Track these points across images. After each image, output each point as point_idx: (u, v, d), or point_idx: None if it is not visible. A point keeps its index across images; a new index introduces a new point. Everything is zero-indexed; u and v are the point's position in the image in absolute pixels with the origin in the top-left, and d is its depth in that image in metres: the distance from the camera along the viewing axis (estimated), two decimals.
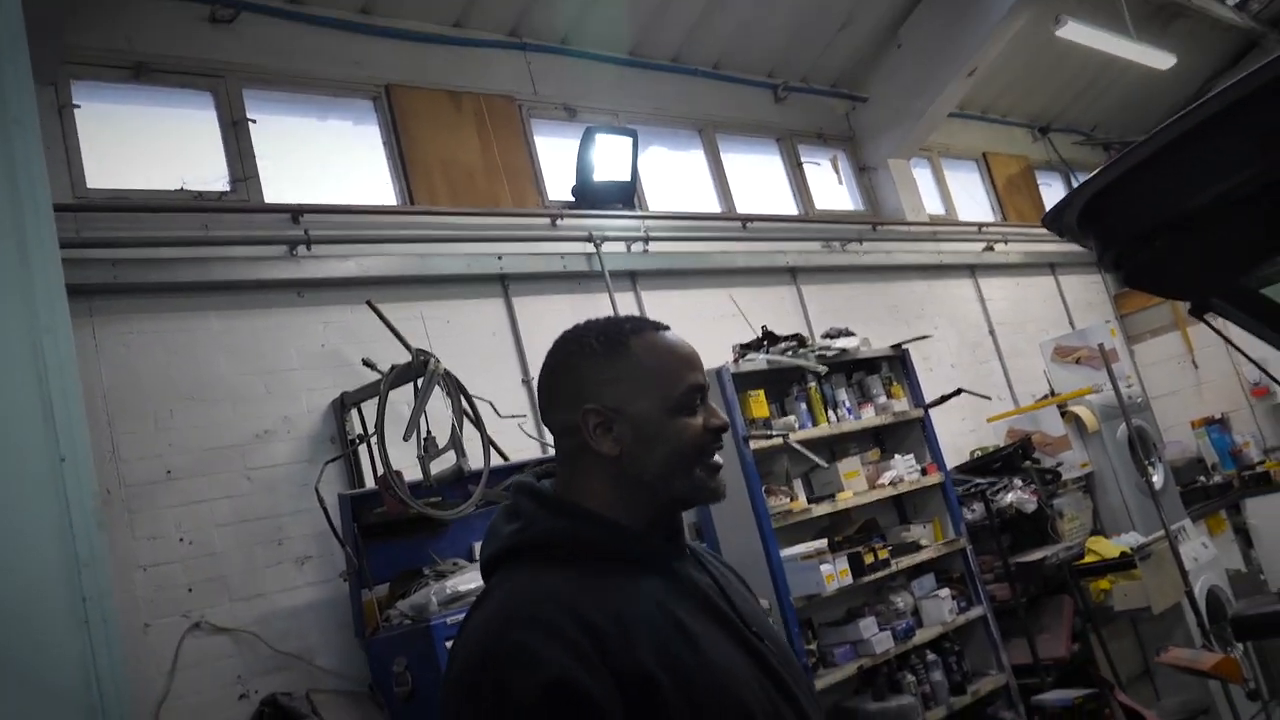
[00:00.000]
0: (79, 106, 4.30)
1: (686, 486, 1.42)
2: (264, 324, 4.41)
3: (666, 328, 1.50)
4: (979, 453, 6.83)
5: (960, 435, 7.08)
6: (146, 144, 4.56)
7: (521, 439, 4.70)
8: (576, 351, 1.46)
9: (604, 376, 1.42)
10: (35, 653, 2.02)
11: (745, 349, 5.52)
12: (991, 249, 8.37)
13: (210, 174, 4.65)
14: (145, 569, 3.78)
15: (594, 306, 5.54)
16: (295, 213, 4.64)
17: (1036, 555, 5.80)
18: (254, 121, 4.82)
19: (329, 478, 4.17)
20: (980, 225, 8.47)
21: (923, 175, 8.39)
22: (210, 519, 4.00)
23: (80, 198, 4.17)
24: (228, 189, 4.65)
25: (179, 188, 4.50)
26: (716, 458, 1.45)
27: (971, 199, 8.95)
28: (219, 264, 4.32)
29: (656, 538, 1.43)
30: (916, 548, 5.50)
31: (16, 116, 2.27)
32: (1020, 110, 9.71)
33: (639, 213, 6.12)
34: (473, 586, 3.76)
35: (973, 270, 8.14)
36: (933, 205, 8.32)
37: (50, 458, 2.12)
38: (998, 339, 8.03)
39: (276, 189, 4.78)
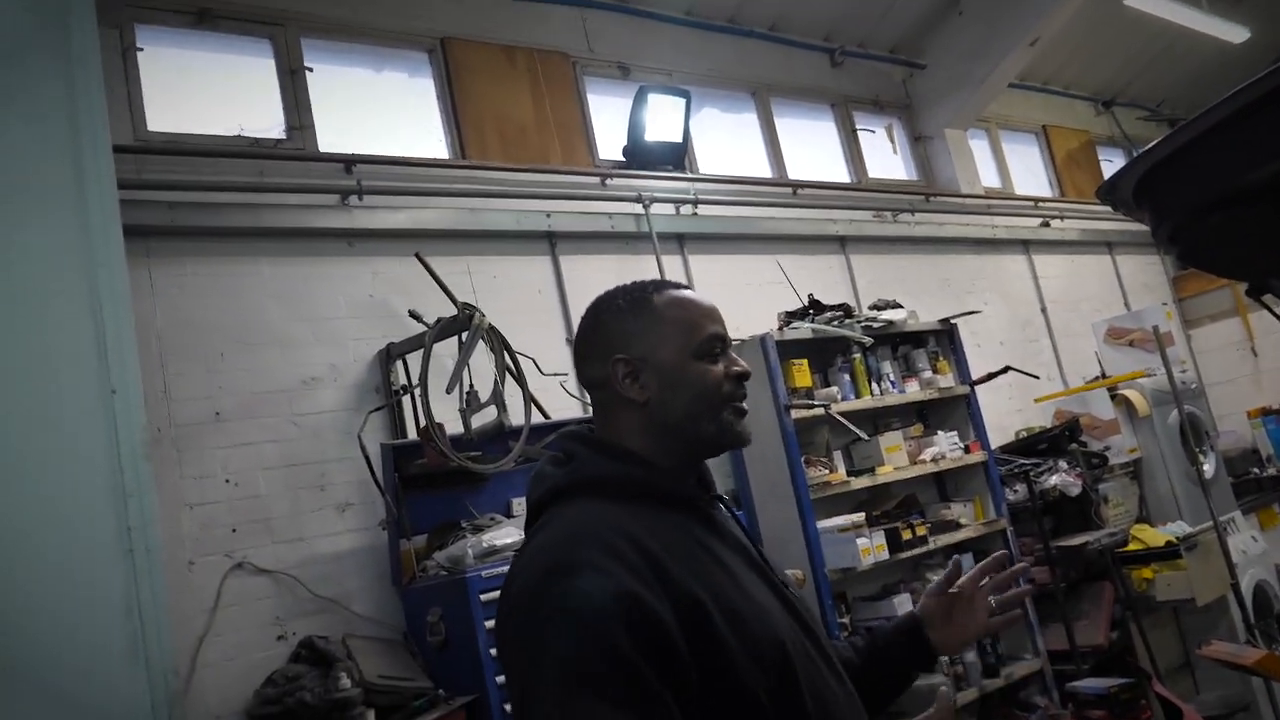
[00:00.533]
0: (142, 50, 4.34)
1: (714, 428, 1.49)
2: (314, 272, 4.45)
3: (688, 287, 1.61)
4: (1025, 433, 6.75)
5: (1006, 414, 6.98)
6: (206, 89, 4.59)
7: (563, 397, 4.71)
8: (605, 310, 1.57)
9: (630, 329, 1.52)
10: (80, 577, 2.08)
11: (790, 317, 5.47)
12: (1048, 225, 8.20)
13: (267, 121, 4.68)
14: (192, 507, 3.86)
15: (640, 267, 5.52)
16: (348, 163, 4.66)
17: (1079, 540, 5.72)
18: (311, 70, 4.84)
19: (372, 427, 4.22)
20: (1037, 200, 8.30)
21: (980, 147, 8.23)
22: (256, 462, 4.07)
23: (141, 140, 4.22)
24: (283, 137, 4.68)
25: (236, 134, 4.53)
26: (741, 404, 1.53)
27: (1029, 172, 8.76)
28: (272, 211, 4.36)
29: (693, 484, 1.53)
30: (956, 526, 5.45)
31: (79, 57, 2.30)
32: (1083, 83, 9.46)
33: (689, 175, 6.07)
34: (509, 541, 3.80)
35: (1027, 246, 7.99)
36: (989, 178, 8.16)
37: (102, 389, 2.18)
38: (1049, 317, 7.89)
39: (330, 138, 4.81)
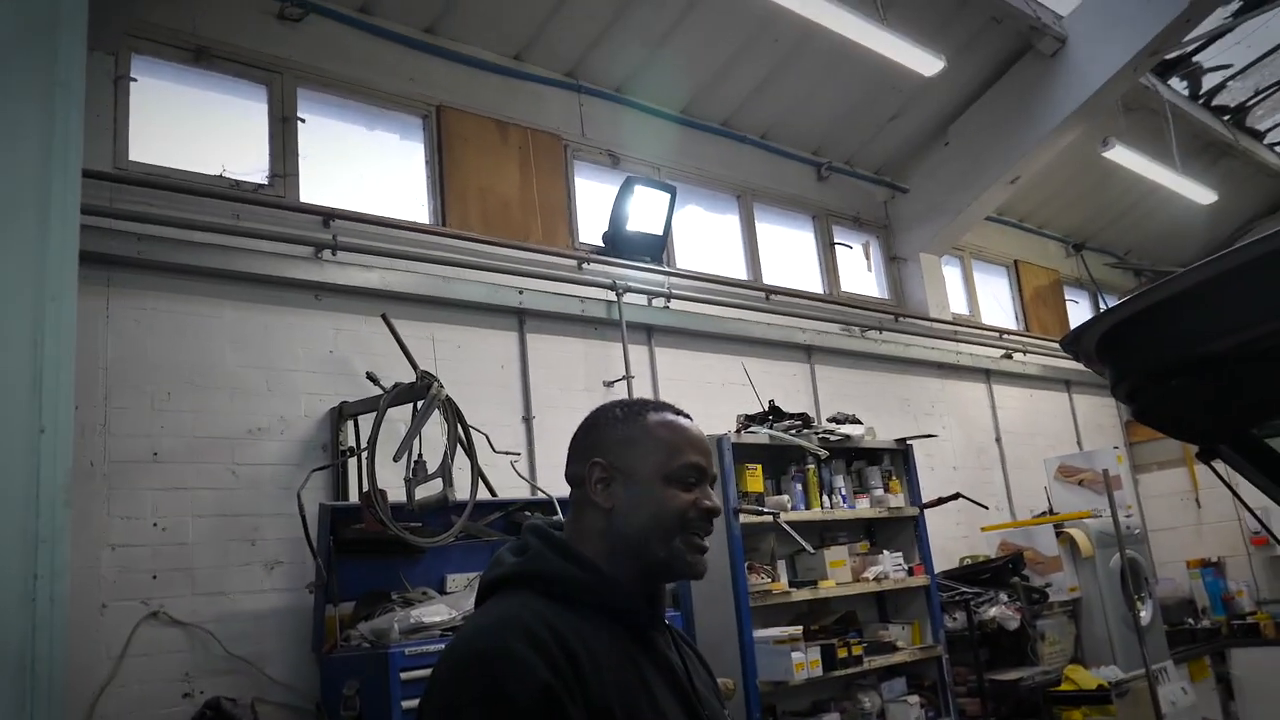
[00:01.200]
0: (135, 80, 4.33)
1: (664, 553, 1.50)
2: (277, 321, 4.40)
3: (687, 416, 1.63)
4: (969, 560, 6.75)
5: (952, 540, 6.99)
6: (194, 126, 4.59)
7: (512, 476, 4.65)
8: (602, 415, 1.63)
9: (615, 437, 1.57)
10: None
11: (750, 420, 5.47)
12: (1010, 357, 8.33)
13: (251, 165, 4.66)
14: (114, 548, 3.72)
15: (606, 354, 5.53)
16: (327, 216, 4.66)
17: (1013, 675, 5.69)
18: (303, 120, 4.85)
19: (313, 485, 4.12)
20: (1002, 331, 8.45)
21: (952, 273, 8.39)
22: (189, 508, 3.95)
23: (119, 168, 4.19)
24: (265, 183, 4.66)
25: (219, 174, 4.51)
26: (701, 539, 1.53)
27: (997, 303, 8.94)
28: (244, 255, 4.32)
29: (639, 599, 1.52)
30: (892, 649, 5.40)
31: (64, 80, 2.26)
32: (1057, 224, 9.74)
33: (665, 268, 6.12)
34: (438, 619, 3.70)
35: (988, 375, 8.10)
36: (958, 304, 8.30)
37: (31, 428, 2.09)
38: (1004, 447, 7.97)
39: (313, 190, 4.80)
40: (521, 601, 1.42)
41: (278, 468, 4.21)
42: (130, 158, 4.25)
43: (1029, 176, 7.66)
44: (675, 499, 1.51)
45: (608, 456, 1.54)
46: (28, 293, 2.13)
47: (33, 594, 2.00)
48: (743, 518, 4.92)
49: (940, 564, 6.43)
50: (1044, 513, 7.27)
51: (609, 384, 5.49)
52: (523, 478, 4.71)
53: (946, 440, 7.37)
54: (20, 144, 2.17)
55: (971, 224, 7.95)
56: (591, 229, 5.96)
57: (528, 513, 4.46)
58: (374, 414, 3.98)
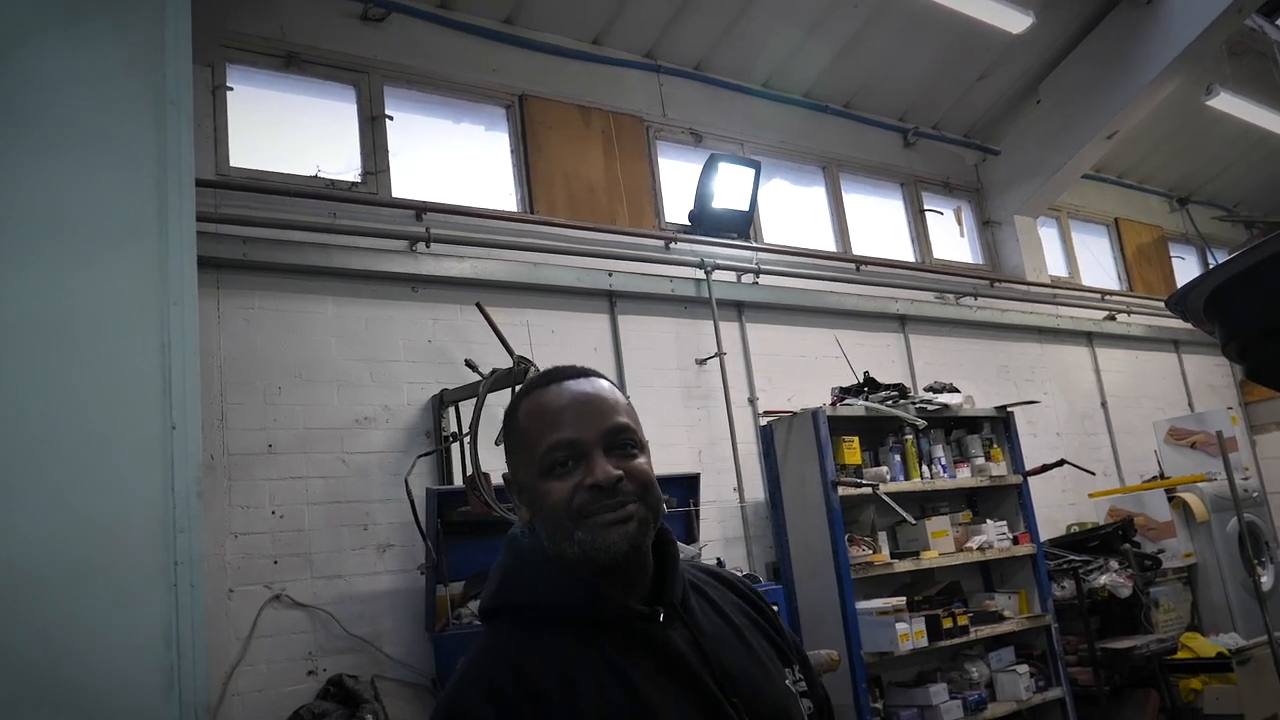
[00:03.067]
0: (231, 89, 4.51)
1: (575, 551, 1.30)
2: (376, 314, 4.54)
3: (562, 379, 1.39)
4: (1076, 528, 6.60)
5: (1058, 507, 6.84)
6: (289, 130, 4.75)
7: None
8: (504, 422, 1.45)
9: (509, 444, 1.41)
10: (125, 607, 2.13)
11: (844, 393, 5.45)
12: (1113, 318, 8.08)
13: (344, 164, 4.82)
14: (236, 536, 3.92)
15: (697, 332, 5.55)
16: (419, 210, 4.78)
17: (1126, 643, 5.56)
18: (391, 118, 4.98)
19: (420, 471, 4.26)
20: (1104, 292, 8.19)
21: (1048, 235, 8.17)
22: (304, 496, 4.13)
23: (222, 175, 4.37)
24: (359, 180, 4.81)
25: (314, 174, 4.67)
26: (606, 513, 1.30)
27: (1098, 264, 8.66)
28: (342, 252, 4.47)
29: (629, 602, 1.33)
30: (999, 618, 5.33)
31: (173, 98, 2.40)
32: (1159, 178, 9.38)
33: (753, 244, 6.11)
34: None
35: (1090, 338, 7.87)
36: (1056, 266, 8.08)
37: (163, 425, 2.24)
38: (1109, 412, 7.74)
39: (404, 184, 4.93)
40: (491, 641, 1.33)
41: (385, 455, 4.36)
42: (231, 164, 4.44)
43: (1127, 130, 7.38)
44: (551, 492, 1.31)
45: (510, 469, 1.40)
46: (153, 299, 2.28)
47: (174, 579, 2.16)
48: (841, 490, 4.91)
49: (1047, 532, 6.31)
50: (1154, 477, 7.06)
51: (701, 362, 5.52)
52: None
53: (1049, 406, 7.20)
54: (138, 161, 2.31)
55: (1068, 183, 7.72)
56: (677, 208, 5.98)
57: None
58: (474, 400, 4.08)
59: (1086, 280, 8.33)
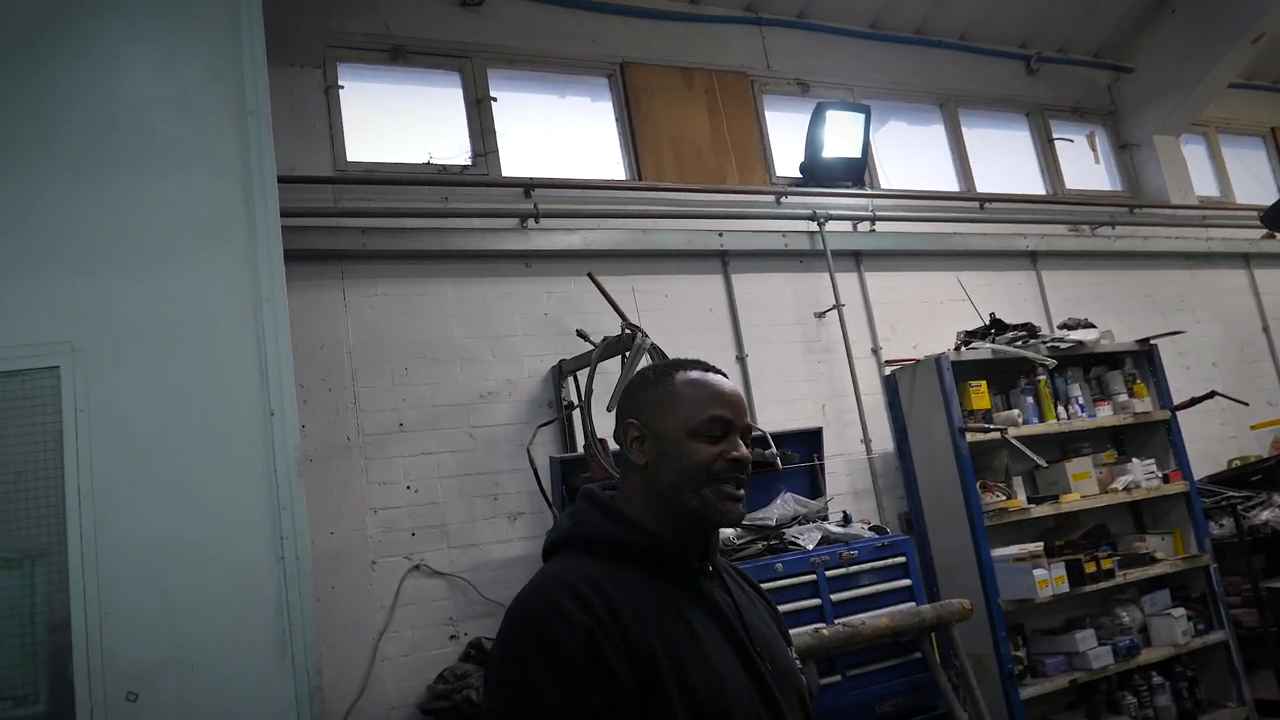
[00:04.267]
0: (343, 87, 4.72)
1: (695, 502, 1.57)
2: (493, 292, 4.69)
3: (718, 371, 1.70)
4: (1237, 462, 6.24)
5: (1218, 441, 6.47)
6: (399, 120, 4.94)
7: None
8: (638, 378, 1.73)
9: (647, 398, 1.66)
10: (240, 580, 2.37)
11: (970, 336, 5.30)
12: (1274, 236, 7.52)
13: (453, 149, 4.98)
14: (375, 511, 4.16)
15: (814, 285, 5.50)
16: (528, 187, 4.89)
17: None
18: (495, 99, 5.10)
19: (542, 440, 4.41)
20: (1261, 210, 7.62)
21: (1195, 153, 7.66)
22: (435, 470, 4.33)
23: (340, 170, 4.59)
24: (468, 163, 4.96)
25: (425, 162, 4.85)
26: (735, 488, 1.59)
27: (1255, 179, 8.06)
28: (456, 234, 4.64)
29: (685, 552, 1.60)
30: (1150, 560, 5.13)
31: (252, 108, 2.57)
32: None
33: (866, 191, 5.98)
34: None
35: (1247, 260, 7.36)
36: (1204, 186, 7.57)
37: (263, 411, 2.45)
38: (1272, 337, 7.24)
39: (512, 163, 5.05)
40: (571, 562, 1.55)
41: (509, 427, 4.53)
42: (348, 159, 4.65)
43: (1276, 32, 6.82)
44: (700, 451, 1.58)
45: (640, 417, 1.63)
46: (247, 296, 2.49)
47: (281, 553, 2.38)
48: (969, 436, 4.80)
49: (1205, 468, 6.00)
50: None
51: (820, 314, 5.47)
52: None
53: (1201, 335, 6.80)
54: (223, 170, 2.51)
55: (1213, 95, 7.21)
56: (788, 161, 5.90)
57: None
58: (589, 369, 4.18)
59: (1240, 198, 7.77)
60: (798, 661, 1.70)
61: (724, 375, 1.70)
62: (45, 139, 2.52)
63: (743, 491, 1.61)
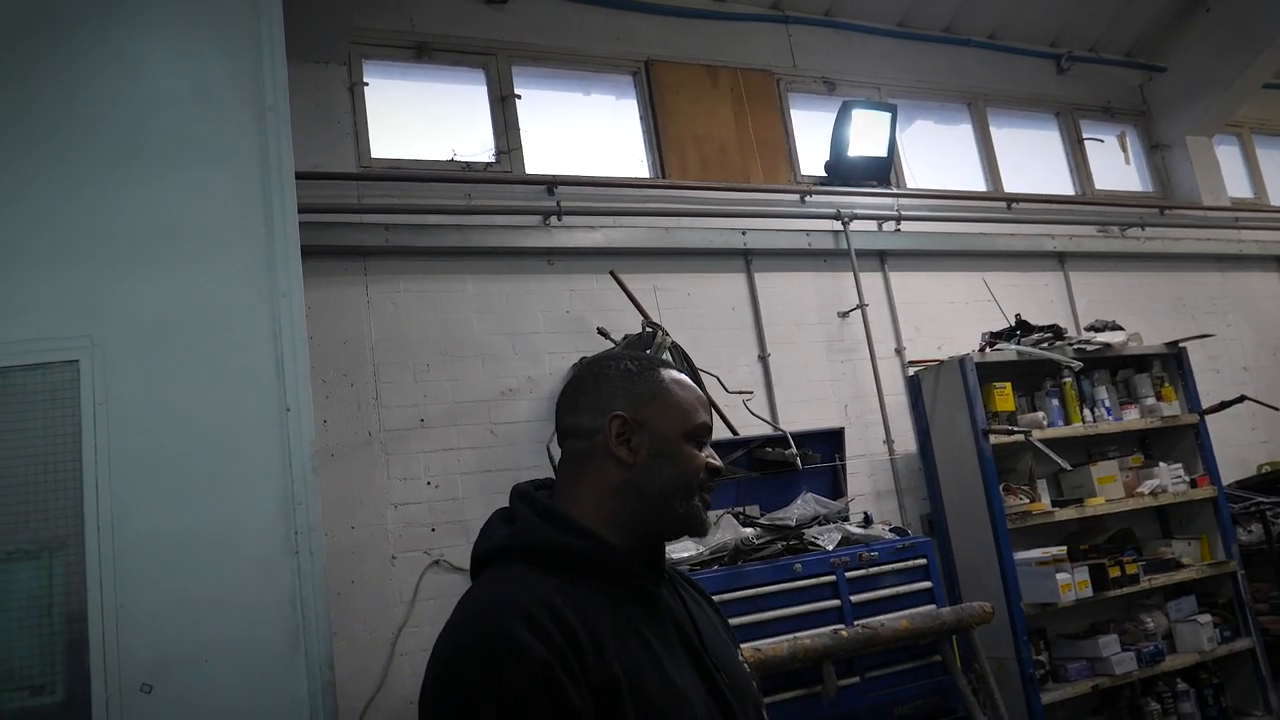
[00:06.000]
0: (368, 84, 4.74)
1: (684, 510, 1.49)
2: (515, 289, 4.70)
3: (683, 371, 1.63)
4: (1268, 468, 6.15)
5: (1248, 447, 6.39)
6: (423, 117, 4.96)
7: (746, 415, 4.74)
8: (612, 368, 1.57)
9: (636, 391, 1.53)
10: (253, 575, 2.39)
11: (995, 337, 5.26)
12: None
13: (477, 146, 4.99)
14: (396, 506, 4.18)
15: (838, 285, 5.47)
16: (550, 184, 4.90)
17: None
18: (519, 97, 5.11)
19: None
20: None
21: (1229, 154, 7.55)
22: (456, 466, 4.35)
23: (364, 167, 4.61)
24: (492, 160, 4.97)
25: (449, 158, 4.86)
26: (707, 494, 1.53)
27: None
28: (479, 231, 4.65)
29: (637, 559, 1.48)
30: (1176, 566, 5.06)
31: (271, 105, 2.59)
32: None
33: (892, 190, 5.94)
34: (687, 555, 3.87)
35: None
36: (1238, 188, 7.46)
37: (279, 407, 2.46)
38: None
39: (536, 160, 5.06)
40: (515, 577, 1.39)
41: (530, 424, 4.53)
42: (372, 155, 4.67)
43: None
44: (695, 458, 1.50)
45: (629, 410, 1.50)
46: (264, 292, 2.51)
47: (295, 547, 2.40)
48: (992, 438, 4.76)
49: (1235, 473, 5.93)
50: None
51: (843, 314, 5.44)
52: (756, 415, 4.79)
53: (1232, 339, 6.71)
54: (242, 167, 2.53)
55: (1248, 95, 7.10)
56: (813, 160, 5.87)
57: (768, 448, 4.55)
58: None
59: (1275, 200, 7.65)
60: (747, 667, 1.60)
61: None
62: (67, 137, 2.54)
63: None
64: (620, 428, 1.49)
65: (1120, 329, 5.43)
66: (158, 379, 2.41)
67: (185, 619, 2.30)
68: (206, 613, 2.33)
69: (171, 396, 2.42)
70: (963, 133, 6.61)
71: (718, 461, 1.54)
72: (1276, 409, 5.91)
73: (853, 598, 3.89)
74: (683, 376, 1.58)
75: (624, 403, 1.51)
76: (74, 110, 2.54)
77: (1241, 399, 5.47)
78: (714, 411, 4.46)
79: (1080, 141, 6.93)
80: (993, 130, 6.62)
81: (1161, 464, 5.27)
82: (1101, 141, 7.02)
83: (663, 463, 1.48)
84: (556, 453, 4.23)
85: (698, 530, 1.52)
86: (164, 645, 2.27)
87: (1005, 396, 4.96)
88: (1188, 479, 5.27)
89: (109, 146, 2.53)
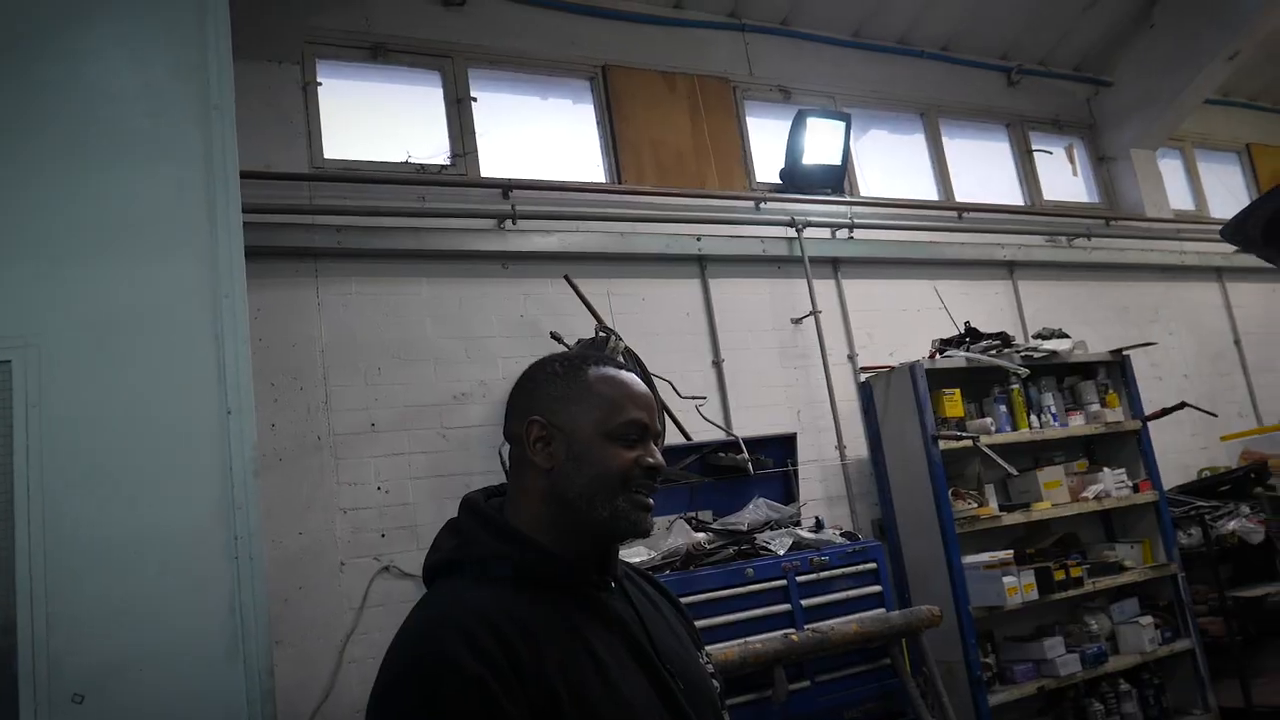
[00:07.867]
0: (321, 84, 4.69)
1: (606, 513, 1.43)
2: (469, 293, 4.67)
3: (630, 369, 1.56)
4: (1207, 472, 6.29)
5: (1188, 452, 6.53)
6: (378, 119, 4.91)
7: (699, 420, 4.75)
8: (540, 371, 1.54)
9: (554, 394, 1.49)
10: (191, 580, 2.35)
11: (945, 344, 5.33)
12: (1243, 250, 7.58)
13: (433, 149, 4.95)
14: (345, 511, 4.13)
15: (791, 291, 5.51)
16: (506, 188, 4.87)
17: (1260, 591, 5.30)
18: (475, 100, 5.09)
19: None
20: None
21: (1171, 167, 7.73)
22: (406, 471, 4.31)
23: (316, 168, 4.56)
24: (447, 163, 4.94)
25: (404, 160, 4.82)
26: (646, 496, 1.46)
27: (1229, 194, 8.13)
28: (433, 234, 4.61)
29: (584, 567, 1.46)
30: (1118, 569, 5.16)
31: (216, 103, 2.55)
32: None
33: (845, 198, 5.99)
34: (638, 560, 3.87)
35: (1220, 273, 7.43)
36: (1180, 200, 7.65)
37: (220, 410, 2.42)
38: (1244, 350, 7.31)
39: (491, 164, 5.04)
40: (456, 593, 1.39)
41: (483, 429, 4.51)
42: (325, 156, 4.62)
43: (1251, 50, 6.90)
44: (617, 457, 1.44)
45: (546, 414, 1.47)
46: (206, 293, 2.47)
47: (235, 552, 2.36)
48: (941, 444, 4.82)
49: (1176, 478, 6.06)
50: None
51: (796, 321, 5.48)
52: (709, 421, 4.81)
53: (1174, 347, 6.86)
54: (186, 164, 2.49)
55: (1189, 110, 7.29)
56: (768, 167, 5.91)
57: (721, 453, 4.57)
58: None
59: (1215, 213, 7.84)
60: (710, 666, 1.58)
61: (634, 374, 1.55)
62: (3, 132, 2.48)
63: (652, 501, 1.47)
64: (538, 432, 1.46)
65: (1066, 337, 5.53)
66: (94, 380, 2.35)
67: (119, 626, 2.24)
68: (142, 620, 2.27)
69: (108, 398, 2.36)
70: (916, 142, 6.70)
71: (654, 459, 1.47)
72: (1215, 415, 6.06)
73: (804, 602, 3.91)
74: (619, 373, 1.52)
75: (543, 406, 1.48)
76: (12, 106, 2.47)
77: (1182, 405, 5.59)
78: (665, 414, 4.50)
79: (1029, 153, 7.05)
80: (945, 140, 6.72)
81: (1106, 469, 5.37)
82: (1050, 153, 7.15)
83: (580, 465, 1.44)
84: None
85: (629, 532, 1.46)
86: (97, 653, 2.21)
87: (955, 403, 5.03)
88: (1131, 484, 5.37)
89: (47, 142, 2.47)
